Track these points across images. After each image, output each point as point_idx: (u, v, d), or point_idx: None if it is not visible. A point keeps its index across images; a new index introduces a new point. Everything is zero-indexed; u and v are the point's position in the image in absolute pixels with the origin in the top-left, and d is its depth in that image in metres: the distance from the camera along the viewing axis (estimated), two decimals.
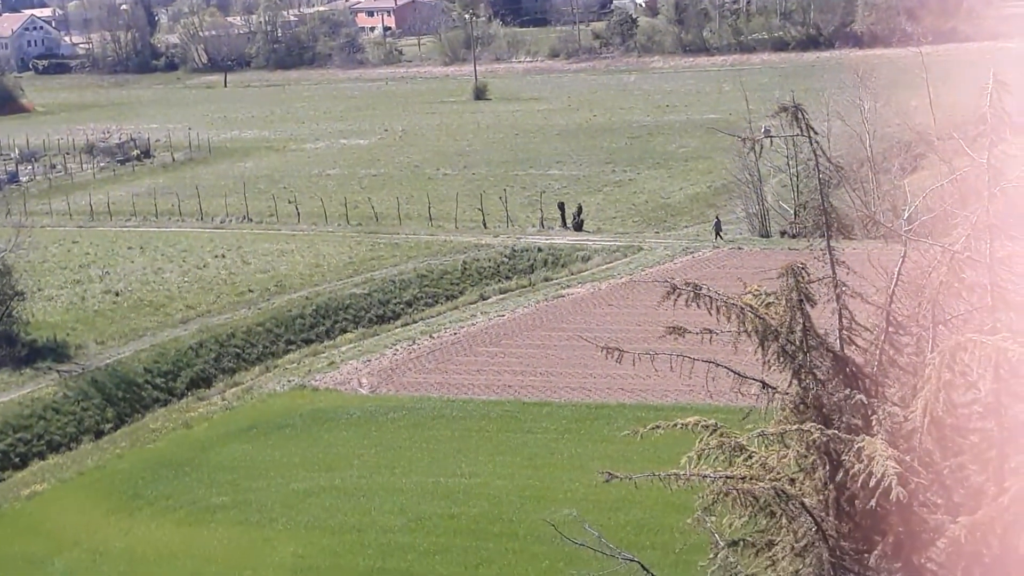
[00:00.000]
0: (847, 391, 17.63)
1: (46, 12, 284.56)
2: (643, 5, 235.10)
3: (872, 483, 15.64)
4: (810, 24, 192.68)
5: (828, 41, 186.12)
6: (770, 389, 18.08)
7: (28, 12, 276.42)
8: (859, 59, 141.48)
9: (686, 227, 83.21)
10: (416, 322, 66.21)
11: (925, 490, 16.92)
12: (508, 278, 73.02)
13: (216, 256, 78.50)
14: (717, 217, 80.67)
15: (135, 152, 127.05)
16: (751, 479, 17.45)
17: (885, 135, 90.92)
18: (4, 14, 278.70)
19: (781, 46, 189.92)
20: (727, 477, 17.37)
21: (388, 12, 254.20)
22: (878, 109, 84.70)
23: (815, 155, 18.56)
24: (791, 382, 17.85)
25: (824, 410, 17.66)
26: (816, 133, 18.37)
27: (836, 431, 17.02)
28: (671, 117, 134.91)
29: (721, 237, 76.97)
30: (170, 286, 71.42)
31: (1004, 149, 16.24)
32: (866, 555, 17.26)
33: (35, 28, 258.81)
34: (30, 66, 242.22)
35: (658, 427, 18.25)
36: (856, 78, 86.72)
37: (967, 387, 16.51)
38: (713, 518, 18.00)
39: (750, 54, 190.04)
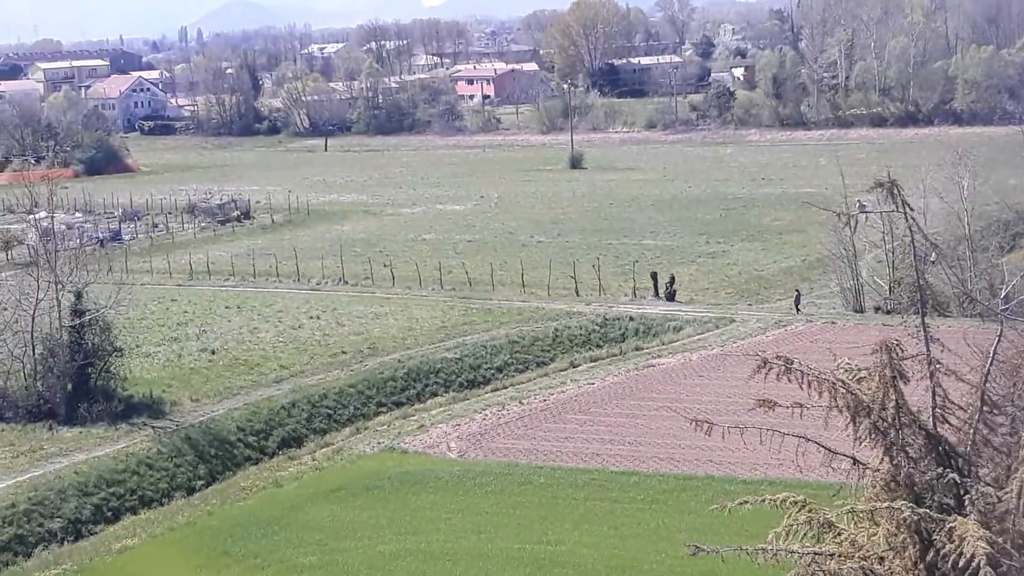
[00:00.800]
0: (939, 470, 17.39)
1: (154, 74, 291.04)
2: (741, 79, 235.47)
3: (962, 564, 15.38)
4: (909, 101, 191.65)
5: (927, 118, 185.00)
6: (861, 466, 17.87)
7: (136, 74, 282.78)
8: (958, 136, 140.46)
9: (779, 300, 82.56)
10: (506, 388, 66.09)
11: (1018, 573, 16.60)
12: (599, 346, 72.75)
13: (311, 317, 79.10)
14: (797, 291, 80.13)
15: (235, 213, 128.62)
16: (840, 556, 17.22)
17: (983, 213, 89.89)
18: (113, 75, 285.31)
19: (879, 122, 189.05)
20: (816, 554, 17.16)
21: (488, 80, 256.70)
22: (976, 187, 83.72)
23: (911, 231, 18.42)
24: (882, 459, 17.63)
25: (915, 488, 17.42)
26: (912, 209, 18.23)
27: (927, 510, 16.78)
28: (766, 190, 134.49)
29: (800, 311, 76.42)
30: (265, 346, 72.01)
31: None
32: None
33: (142, 90, 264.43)
34: (136, 127, 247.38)
35: (746, 502, 18.09)
36: (955, 155, 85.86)
37: None
38: None
39: (847, 129, 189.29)
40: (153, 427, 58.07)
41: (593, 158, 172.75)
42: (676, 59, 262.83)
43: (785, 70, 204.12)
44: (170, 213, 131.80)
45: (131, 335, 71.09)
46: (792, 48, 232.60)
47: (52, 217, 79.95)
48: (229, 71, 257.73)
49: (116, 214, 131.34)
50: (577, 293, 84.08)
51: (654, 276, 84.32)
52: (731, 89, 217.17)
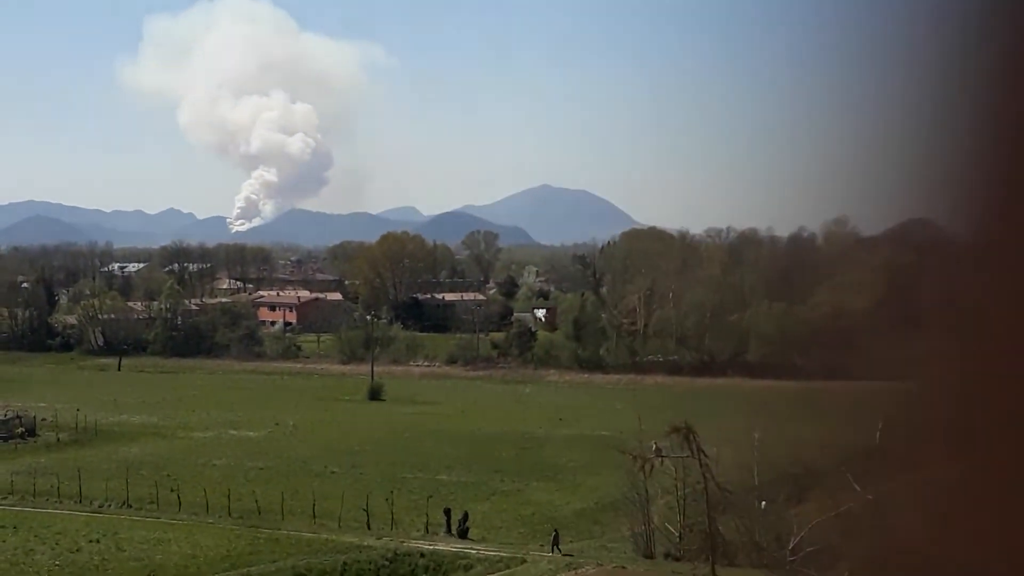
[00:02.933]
0: None
1: None
2: (543, 319, 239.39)
3: None
4: (705, 350, 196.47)
5: (722, 368, 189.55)
6: None
7: None
8: (751, 388, 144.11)
9: (571, 542, 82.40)
10: None
11: None
12: None
13: (91, 541, 76.21)
14: (555, 531, 79.92)
15: (19, 430, 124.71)
16: None
17: (774, 464, 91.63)
18: None
19: (675, 369, 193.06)
20: None
21: (291, 308, 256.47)
22: (767, 439, 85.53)
23: (704, 477, 18.54)
24: None
25: None
26: (706, 456, 18.38)
27: None
28: (563, 431, 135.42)
29: (559, 550, 76.12)
30: (40, 568, 69.04)
31: (890, 486, 16.30)
32: None
33: None
34: None
35: None
36: (747, 406, 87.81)
37: None
38: None
39: (645, 375, 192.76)
40: None
41: (393, 390, 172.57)
42: (480, 297, 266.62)
43: (586, 314, 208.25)
44: None
45: None
46: (593, 293, 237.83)
47: None
48: (24, 285, 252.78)
49: None
50: (369, 527, 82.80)
51: (447, 512, 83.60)
52: (532, 329, 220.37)
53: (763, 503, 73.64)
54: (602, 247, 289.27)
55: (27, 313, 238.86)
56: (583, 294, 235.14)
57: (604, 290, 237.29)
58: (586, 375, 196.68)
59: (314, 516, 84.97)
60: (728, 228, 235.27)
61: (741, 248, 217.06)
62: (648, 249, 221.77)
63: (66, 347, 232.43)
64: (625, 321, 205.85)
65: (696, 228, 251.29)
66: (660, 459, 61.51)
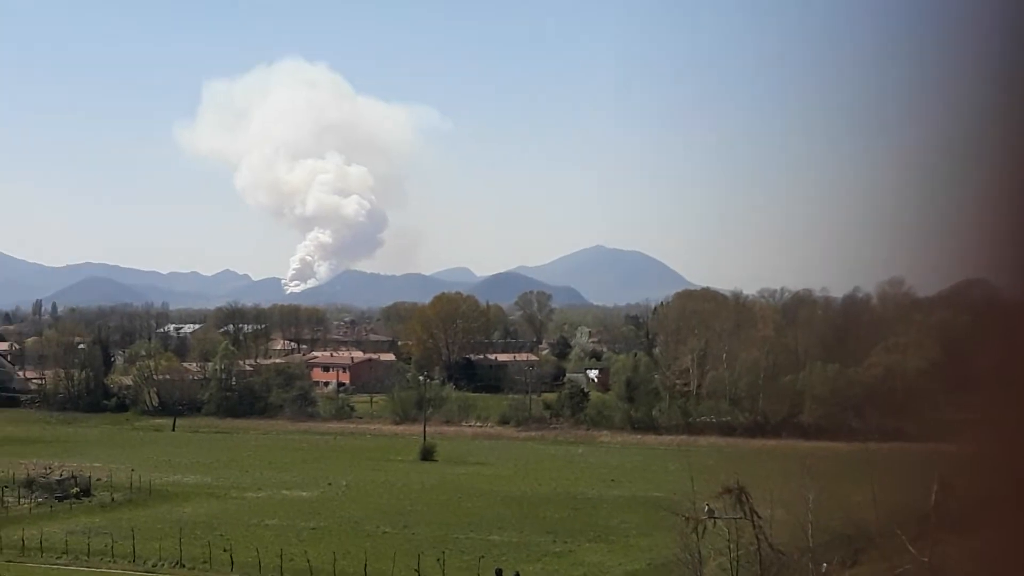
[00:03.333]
0: None
1: (2, 346, 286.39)
2: (595, 380, 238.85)
3: None
4: (758, 411, 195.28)
5: (775, 429, 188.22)
6: None
7: None
8: (805, 450, 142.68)
9: None
10: None
11: None
12: None
13: None
14: None
15: (74, 490, 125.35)
16: None
17: (827, 526, 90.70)
18: None
19: (729, 431, 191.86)
20: None
21: (344, 368, 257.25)
22: (821, 500, 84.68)
23: (757, 539, 18.36)
24: None
25: None
26: (759, 517, 18.21)
27: None
28: (615, 492, 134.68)
29: None
30: None
31: (944, 549, 16.13)
32: None
33: None
34: None
35: None
36: (801, 468, 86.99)
37: None
38: None
39: (698, 436, 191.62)
40: None
41: (445, 450, 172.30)
42: (532, 357, 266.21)
43: (638, 374, 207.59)
44: (6, 487, 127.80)
45: None
46: (646, 353, 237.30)
47: None
48: (81, 346, 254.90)
49: None
50: None
51: (499, 573, 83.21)
52: (585, 390, 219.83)
53: (824, 565, 72.94)
54: (655, 308, 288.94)
55: (83, 374, 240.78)
56: (636, 355, 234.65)
57: (657, 351, 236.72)
58: (639, 436, 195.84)
59: None
60: (782, 289, 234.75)
61: (795, 309, 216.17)
62: (701, 310, 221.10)
63: (121, 408, 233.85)
64: (678, 382, 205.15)
65: (749, 289, 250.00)
66: (713, 520, 61.03)
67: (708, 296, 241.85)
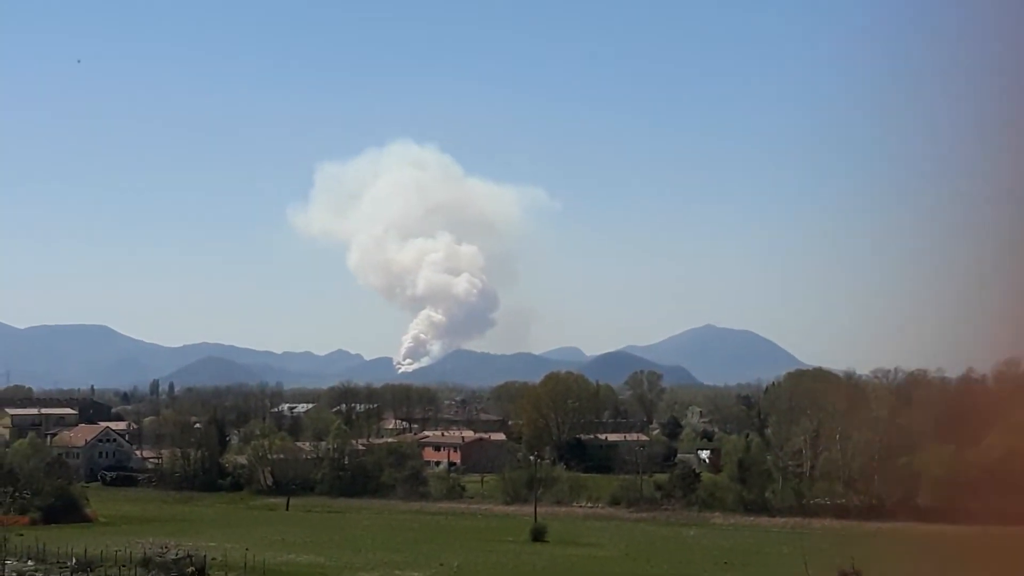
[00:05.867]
0: None
1: (121, 425, 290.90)
2: (707, 461, 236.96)
3: None
4: (873, 493, 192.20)
5: (890, 511, 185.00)
6: None
7: (104, 424, 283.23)
8: (922, 532, 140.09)
9: None
10: None
11: None
12: None
13: None
14: None
15: (190, 569, 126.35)
16: None
17: None
18: (81, 424, 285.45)
19: (843, 513, 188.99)
20: None
21: (455, 448, 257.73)
22: None
23: None
24: None
25: None
26: None
27: None
28: (729, 575, 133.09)
29: None
30: None
31: None
32: None
33: (108, 440, 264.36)
34: (99, 476, 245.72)
35: None
36: (917, 551, 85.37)
37: None
38: None
39: (812, 518, 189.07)
40: None
41: (556, 531, 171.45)
42: (643, 438, 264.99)
43: (750, 455, 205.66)
44: (124, 565, 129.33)
45: None
46: (758, 434, 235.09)
47: (4, 564, 78.49)
48: (197, 426, 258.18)
49: (69, 564, 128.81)
50: None
51: None
52: (697, 471, 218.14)
53: None
54: (766, 387, 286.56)
55: (199, 453, 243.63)
56: (747, 435, 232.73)
57: (769, 431, 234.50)
58: (751, 518, 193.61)
59: None
60: (896, 369, 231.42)
61: (909, 389, 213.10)
62: (814, 390, 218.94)
63: (236, 487, 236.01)
64: (791, 463, 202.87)
65: (862, 369, 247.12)
66: None
67: (820, 376, 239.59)
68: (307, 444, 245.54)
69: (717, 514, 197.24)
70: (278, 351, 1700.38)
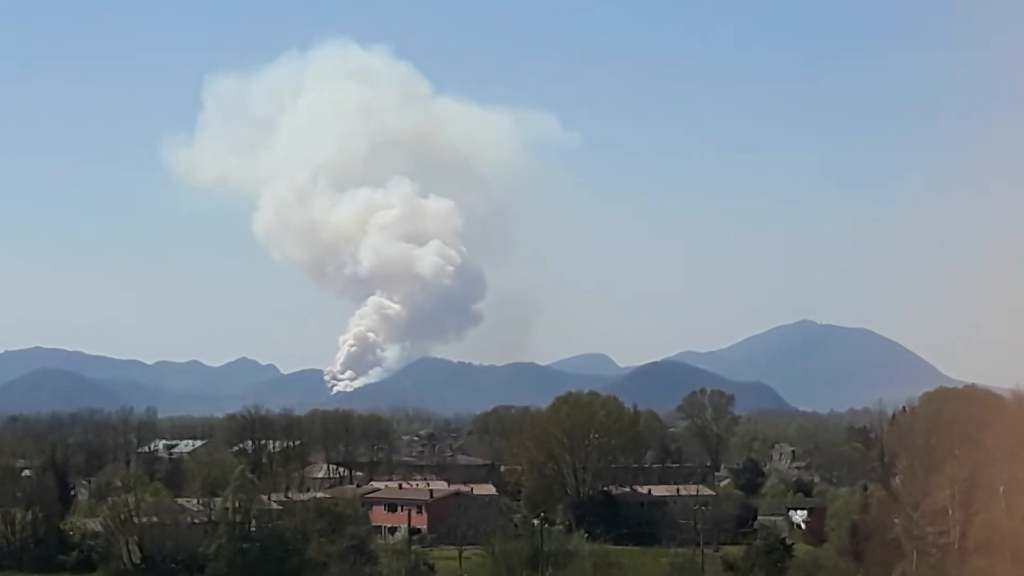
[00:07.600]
0: None
1: None
2: (803, 526, 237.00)
3: None
4: None
5: None
6: None
7: None
8: None
9: None
10: None
11: None
12: None
13: None
14: None
15: None
16: None
17: None
18: None
19: None
20: None
21: (419, 507, 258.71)
22: None
23: None
24: None
25: None
26: None
27: None
28: None
29: None
30: None
31: None
32: None
33: None
34: None
35: None
36: None
37: None
38: None
39: None
40: None
41: None
42: (706, 491, 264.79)
43: (870, 518, 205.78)
44: None
45: None
46: (881, 485, 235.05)
47: None
48: (26, 473, 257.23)
49: None
50: None
51: None
52: (788, 541, 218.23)
53: None
54: (893, 414, 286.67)
55: (29, 515, 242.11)
56: (865, 487, 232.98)
57: (897, 481, 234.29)
58: None
59: None
60: None
61: None
62: (965, 417, 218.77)
63: (87, 565, 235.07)
64: (930, 529, 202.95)
65: None
66: None
67: (975, 397, 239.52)
68: (194, 501, 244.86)
69: None
70: (149, 360, 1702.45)
